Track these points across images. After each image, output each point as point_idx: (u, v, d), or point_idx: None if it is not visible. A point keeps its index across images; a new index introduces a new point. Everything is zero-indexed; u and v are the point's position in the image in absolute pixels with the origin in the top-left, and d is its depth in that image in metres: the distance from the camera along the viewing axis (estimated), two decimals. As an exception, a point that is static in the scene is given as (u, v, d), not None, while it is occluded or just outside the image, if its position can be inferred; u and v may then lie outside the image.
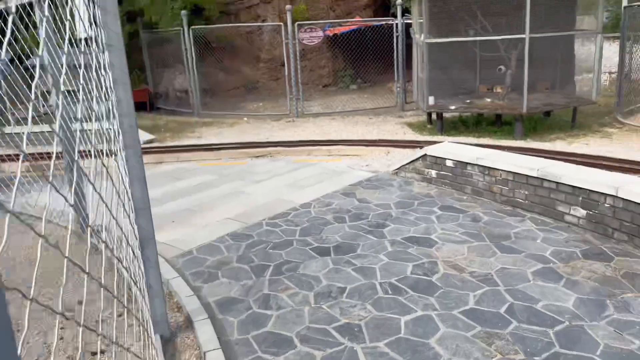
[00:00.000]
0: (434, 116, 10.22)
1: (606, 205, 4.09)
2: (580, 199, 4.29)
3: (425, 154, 6.00)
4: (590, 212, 4.24)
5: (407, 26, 13.76)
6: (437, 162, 5.82)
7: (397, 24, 12.69)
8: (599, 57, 9.10)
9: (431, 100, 9.83)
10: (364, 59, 15.77)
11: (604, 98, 13.69)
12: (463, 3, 9.38)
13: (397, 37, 12.72)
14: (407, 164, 6.36)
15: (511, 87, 9.90)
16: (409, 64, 13.43)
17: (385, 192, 5.92)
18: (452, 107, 9.42)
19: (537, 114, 9.54)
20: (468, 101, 9.87)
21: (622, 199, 3.93)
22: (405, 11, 13.99)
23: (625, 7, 9.85)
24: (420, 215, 5.06)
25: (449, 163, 5.64)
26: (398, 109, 13.21)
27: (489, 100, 9.83)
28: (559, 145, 8.22)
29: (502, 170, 4.99)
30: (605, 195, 4.07)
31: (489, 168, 5.11)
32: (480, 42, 9.93)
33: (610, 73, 18.31)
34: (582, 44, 10.10)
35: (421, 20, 10.11)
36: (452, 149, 5.84)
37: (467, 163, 5.39)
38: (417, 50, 10.15)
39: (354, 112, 13.17)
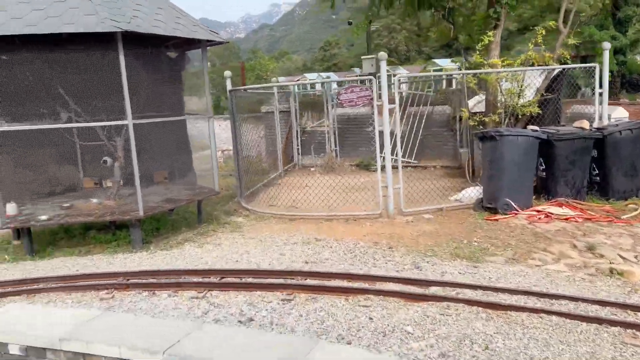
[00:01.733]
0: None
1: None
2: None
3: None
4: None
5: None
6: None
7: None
8: (214, 142, 8.27)
9: (11, 209, 6.97)
10: None
11: (220, 178, 13.48)
12: (39, 77, 7.07)
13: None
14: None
15: (123, 181, 8.05)
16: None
17: None
18: (44, 218, 6.82)
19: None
20: (67, 205, 7.45)
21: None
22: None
23: (230, 91, 9.51)
24: None
25: (13, 350, 3.18)
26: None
27: (95, 200, 7.66)
28: (190, 250, 6.73)
29: (105, 357, 2.91)
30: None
31: (86, 355, 2.95)
32: (77, 128, 7.75)
33: (222, 151, 18.93)
34: (194, 125, 9.21)
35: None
36: (22, 316, 3.42)
37: (45, 349, 3.08)
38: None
39: None
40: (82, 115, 7.33)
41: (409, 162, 13.07)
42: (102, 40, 6.64)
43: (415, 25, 67.07)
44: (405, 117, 13.42)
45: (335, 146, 14.45)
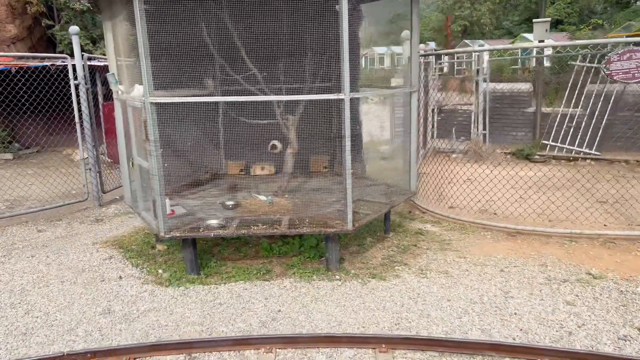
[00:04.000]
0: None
1: None
2: None
3: None
4: None
5: (95, 70, 8.74)
6: None
7: (73, 65, 7.52)
8: (415, 124, 6.20)
9: (171, 208, 5.17)
10: (24, 112, 10.03)
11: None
12: (215, 30, 5.16)
13: (76, 85, 7.54)
14: None
15: (290, 172, 6.16)
16: (100, 121, 8.42)
17: None
18: (214, 223, 4.99)
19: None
20: (232, 203, 5.61)
21: None
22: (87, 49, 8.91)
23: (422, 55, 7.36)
24: None
25: None
26: (91, 204, 7.94)
27: (263, 198, 5.79)
28: (415, 282, 4.74)
29: None
30: None
31: None
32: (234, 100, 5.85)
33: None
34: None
35: (127, 61, 5.44)
36: None
37: None
38: (130, 115, 5.33)
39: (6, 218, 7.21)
40: (258, 81, 5.41)
41: (588, 154, 10.60)
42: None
43: (499, -5, 61.89)
44: (583, 96, 10.90)
45: (484, 129, 12.11)
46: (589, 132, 10.61)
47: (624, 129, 10.42)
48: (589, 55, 10.83)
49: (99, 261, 5.55)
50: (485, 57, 10.84)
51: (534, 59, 17.18)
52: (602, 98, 10.56)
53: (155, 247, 5.92)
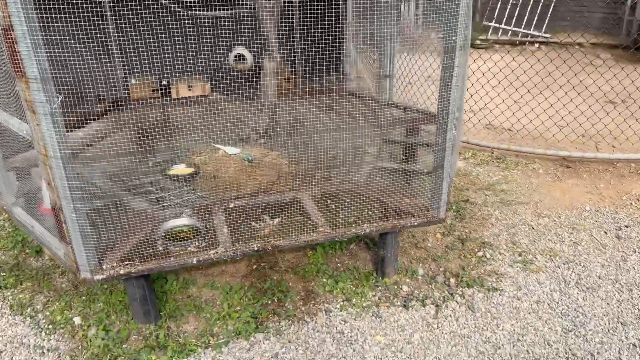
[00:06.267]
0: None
1: None
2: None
3: None
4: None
5: None
6: None
7: None
8: (467, 20, 4.02)
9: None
10: None
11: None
12: None
13: None
14: None
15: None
16: None
17: None
18: (180, 225, 2.56)
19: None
20: (182, 171, 3.12)
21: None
22: None
23: None
24: None
25: None
26: None
27: (236, 151, 3.36)
28: (523, 278, 2.94)
29: None
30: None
31: None
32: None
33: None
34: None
35: None
36: None
37: None
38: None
39: None
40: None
41: (536, 37, 9.36)
42: None
43: None
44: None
45: (417, 9, 10.13)
46: (537, 12, 9.28)
47: (571, 6, 9.24)
48: None
49: None
50: None
51: None
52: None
53: (42, 250, 3.29)
